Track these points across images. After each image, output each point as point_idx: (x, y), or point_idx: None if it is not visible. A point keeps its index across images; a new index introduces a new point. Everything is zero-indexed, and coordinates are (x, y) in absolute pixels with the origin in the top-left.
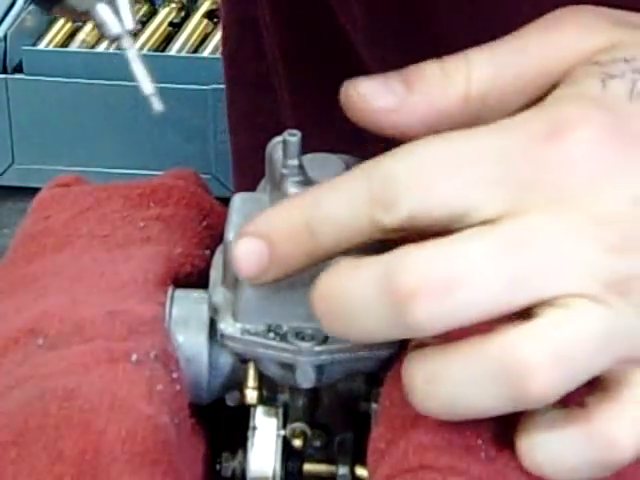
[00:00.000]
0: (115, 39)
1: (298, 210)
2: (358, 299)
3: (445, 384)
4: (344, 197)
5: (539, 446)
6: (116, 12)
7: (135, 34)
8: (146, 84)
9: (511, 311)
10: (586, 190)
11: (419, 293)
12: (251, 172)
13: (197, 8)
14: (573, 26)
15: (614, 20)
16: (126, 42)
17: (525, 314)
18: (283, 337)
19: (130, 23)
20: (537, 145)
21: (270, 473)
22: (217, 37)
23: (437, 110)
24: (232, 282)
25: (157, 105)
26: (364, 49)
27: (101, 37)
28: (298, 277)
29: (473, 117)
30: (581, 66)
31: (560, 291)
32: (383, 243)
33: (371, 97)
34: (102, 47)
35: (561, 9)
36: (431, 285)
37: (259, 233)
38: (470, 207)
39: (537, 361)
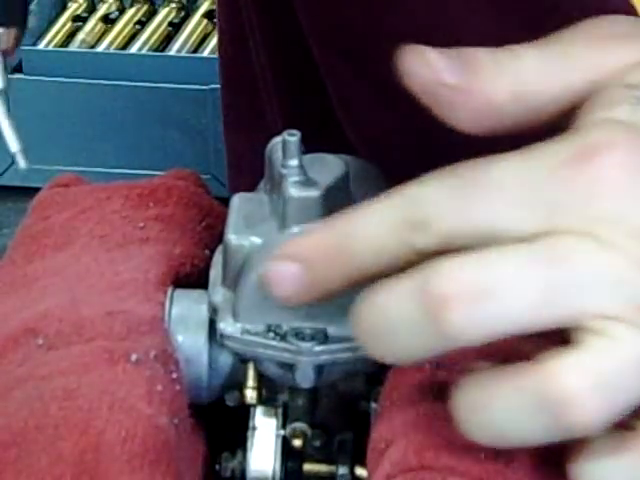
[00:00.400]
0: None
1: (333, 232)
2: (396, 315)
3: (490, 414)
4: (378, 219)
5: (594, 472)
6: None
7: (134, 35)
8: (12, 142)
9: (547, 326)
10: (615, 209)
11: (453, 299)
12: (248, 172)
13: (197, 8)
14: (608, 40)
15: None
16: None
17: (564, 338)
18: (283, 337)
19: (1, 82)
20: (567, 168)
21: (270, 473)
22: (217, 37)
23: (487, 101)
24: (232, 282)
25: (22, 163)
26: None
27: (101, 37)
28: None
29: (516, 117)
30: (612, 87)
31: (595, 309)
32: None
33: (441, 70)
34: (102, 47)
35: (594, 19)
36: (465, 291)
37: (294, 256)
38: (503, 229)
39: (581, 392)
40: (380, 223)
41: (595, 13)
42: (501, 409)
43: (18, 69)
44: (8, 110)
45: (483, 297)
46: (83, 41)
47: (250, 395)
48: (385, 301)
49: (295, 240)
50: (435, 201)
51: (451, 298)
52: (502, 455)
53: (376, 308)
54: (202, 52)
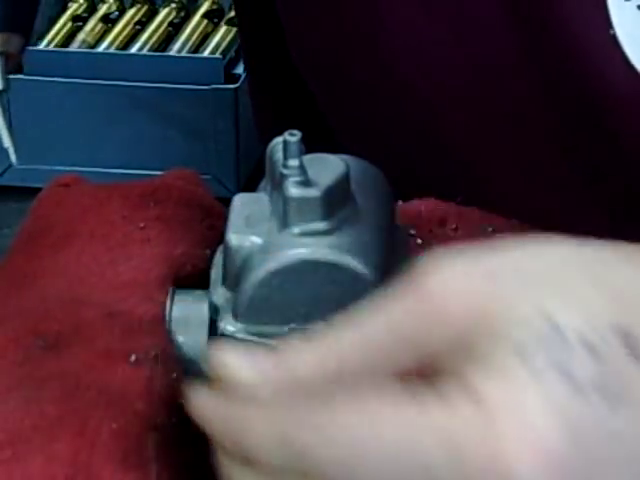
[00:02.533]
0: None
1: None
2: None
3: None
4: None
5: None
6: None
7: (134, 35)
8: (5, 138)
9: None
10: None
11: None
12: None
13: (197, 8)
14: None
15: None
16: None
17: None
18: (283, 337)
19: None
20: None
21: None
22: (217, 37)
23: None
24: (232, 282)
25: (13, 157)
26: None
27: (101, 37)
28: (298, 278)
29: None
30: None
31: None
32: None
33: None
34: (102, 47)
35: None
36: None
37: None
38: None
39: None
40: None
41: None
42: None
43: (18, 69)
44: (3, 109)
45: None
46: (83, 41)
47: None
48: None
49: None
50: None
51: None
52: None
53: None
54: (202, 52)
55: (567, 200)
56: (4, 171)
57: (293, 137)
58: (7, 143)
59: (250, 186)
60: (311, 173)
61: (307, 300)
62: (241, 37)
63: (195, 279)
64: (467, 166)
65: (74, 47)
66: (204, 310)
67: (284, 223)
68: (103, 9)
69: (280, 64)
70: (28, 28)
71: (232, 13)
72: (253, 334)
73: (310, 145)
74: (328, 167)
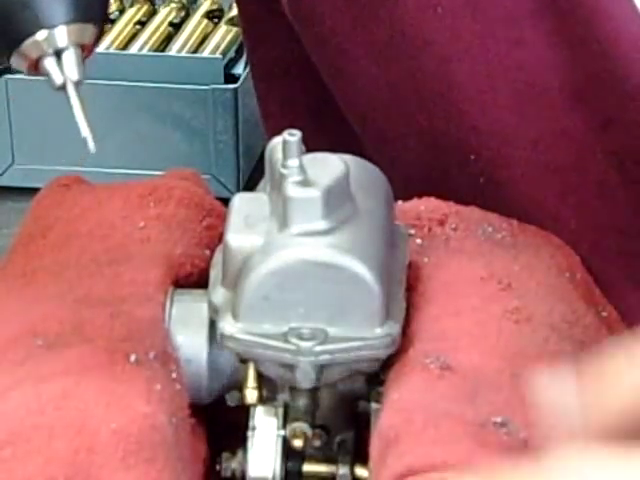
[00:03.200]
0: (60, 88)
1: None
2: None
3: None
4: None
5: None
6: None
7: (133, 35)
8: (84, 128)
9: None
10: None
11: None
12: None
13: (197, 8)
14: None
15: None
16: (70, 90)
17: None
18: (283, 337)
19: (75, 75)
20: None
21: (270, 473)
22: (217, 37)
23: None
24: (232, 282)
25: (91, 147)
26: None
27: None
28: (297, 278)
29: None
30: None
31: None
32: None
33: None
34: (102, 47)
35: None
36: None
37: None
38: None
39: None
40: None
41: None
42: None
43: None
44: (80, 99)
45: None
46: None
47: (250, 395)
48: None
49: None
50: None
51: None
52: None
53: None
54: (202, 52)
55: (578, 151)
56: (4, 171)
57: (293, 137)
58: (85, 132)
59: (250, 186)
60: (311, 173)
61: (306, 300)
62: (243, 20)
63: (195, 279)
64: (480, 121)
65: None
66: (203, 310)
67: (283, 223)
68: None
69: (285, 48)
70: (101, 18)
71: (232, 13)
72: (253, 334)
73: (316, 133)
74: (328, 167)
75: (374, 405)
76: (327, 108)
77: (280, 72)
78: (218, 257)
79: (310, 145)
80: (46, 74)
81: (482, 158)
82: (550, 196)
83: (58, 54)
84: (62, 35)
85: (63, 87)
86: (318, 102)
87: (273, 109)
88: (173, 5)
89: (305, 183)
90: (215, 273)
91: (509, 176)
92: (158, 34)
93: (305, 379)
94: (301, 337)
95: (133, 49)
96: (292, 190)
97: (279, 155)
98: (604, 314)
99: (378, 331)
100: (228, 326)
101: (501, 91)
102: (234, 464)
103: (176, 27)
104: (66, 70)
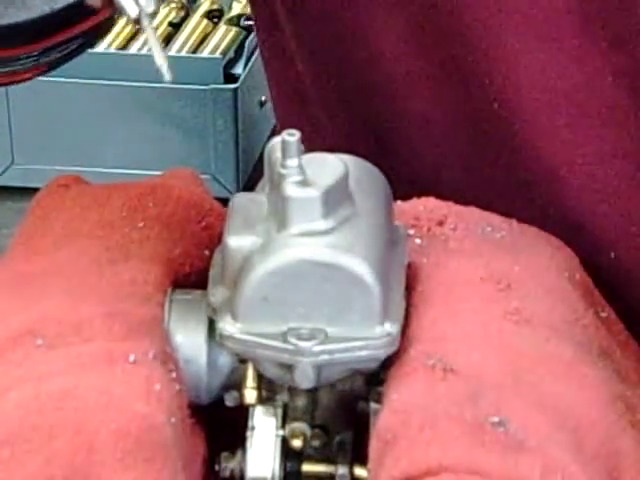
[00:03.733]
0: (135, 21)
1: None
2: None
3: None
4: None
5: None
6: None
7: (133, 35)
8: (158, 57)
9: None
10: None
11: None
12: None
13: (197, 8)
14: None
15: None
16: (145, 21)
17: None
18: (283, 337)
19: (150, 6)
20: None
21: (269, 473)
22: (217, 37)
23: None
24: (231, 282)
25: (167, 75)
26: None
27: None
28: (297, 278)
29: None
30: None
31: None
32: None
33: None
34: (102, 47)
35: None
36: None
37: None
38: None
39: None
40: None
41: None
42: None
43: None
44: (153, 29)
45: None
46: None
47: (249, 395)
48: None
49: None
50: None
51: None
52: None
53: None
54: (202, 52)
55: (588, 72)
56: (4, 171)
57: (292, 137)
58: (160, 61)
59: (249, 186)
60: (310, 173)
61: (306, 300)
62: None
63: (194, 279)
64: (490, 46)
65: None
66: (203, 310)
67: (283, 223)
68: None
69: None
70: None
71: (232, 13)
72: (252, 334)
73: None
74: (327, 167)
75: (373, 405)
76: (335, 91)
77: (289, 55)
78: (217, 257)
79: (322, 131)
80: (120, 7)
81: (495, 83)
82: (561, 124)
83: None
84: None
85: (138, 19)
86: (326, 85)
87: (284, 91)
88: (173, 5)
89: (304, 183)
90: (214, 273)
91: (519, 101)
92: (158, 34)
93: (304, 379)
94: (300, 337)
95: (133, 49)
96: (291, 190)
97: (278, 155)
98: (604, 314)
99: (378, 331)
100: (227, 326)
101: (509, 15)
102: (233, 464)
103: (176, 27)
104: (141, 1)
